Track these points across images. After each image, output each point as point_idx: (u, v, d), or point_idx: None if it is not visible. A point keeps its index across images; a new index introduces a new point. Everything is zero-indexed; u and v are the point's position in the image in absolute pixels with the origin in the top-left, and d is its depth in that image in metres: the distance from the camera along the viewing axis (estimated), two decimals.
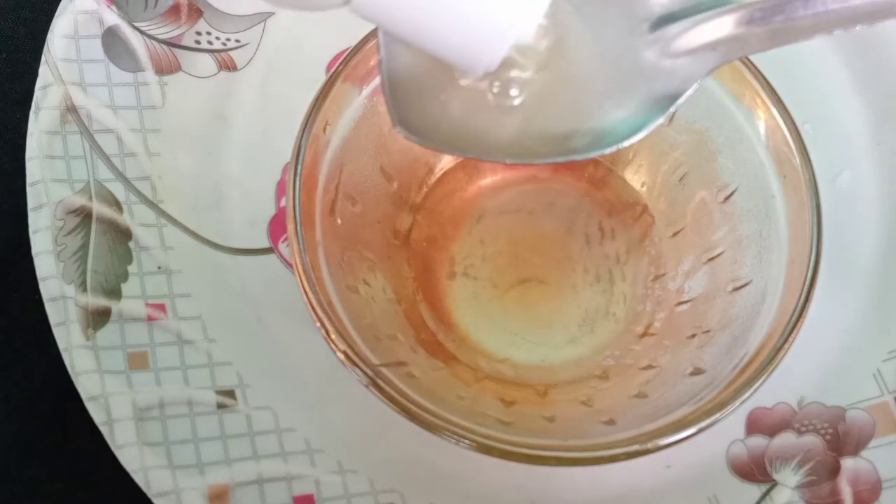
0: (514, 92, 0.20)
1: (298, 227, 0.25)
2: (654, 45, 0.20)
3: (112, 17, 0.32)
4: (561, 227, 0.30)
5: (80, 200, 0.30)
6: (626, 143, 0.20)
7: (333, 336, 0.24)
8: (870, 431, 0.28)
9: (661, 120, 0.20)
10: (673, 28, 0.19)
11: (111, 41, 0.32)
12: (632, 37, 0.19)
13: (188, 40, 0.32)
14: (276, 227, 0.31)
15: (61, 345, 0.28)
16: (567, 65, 0.20)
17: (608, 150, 0.20)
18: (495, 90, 0.20)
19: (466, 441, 0.23)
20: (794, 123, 0.26)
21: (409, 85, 0.21)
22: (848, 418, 0.29)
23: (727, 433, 0.29)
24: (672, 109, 0.20)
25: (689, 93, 0.20)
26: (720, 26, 0.19)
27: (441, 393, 0.25)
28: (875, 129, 0.32)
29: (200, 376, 0.28)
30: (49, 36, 0.31)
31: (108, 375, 0.28)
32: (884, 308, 0.30)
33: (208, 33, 0.33)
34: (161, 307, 0.29)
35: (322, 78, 0.26)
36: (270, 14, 0.33)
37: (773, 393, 0.29)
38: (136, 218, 0.30)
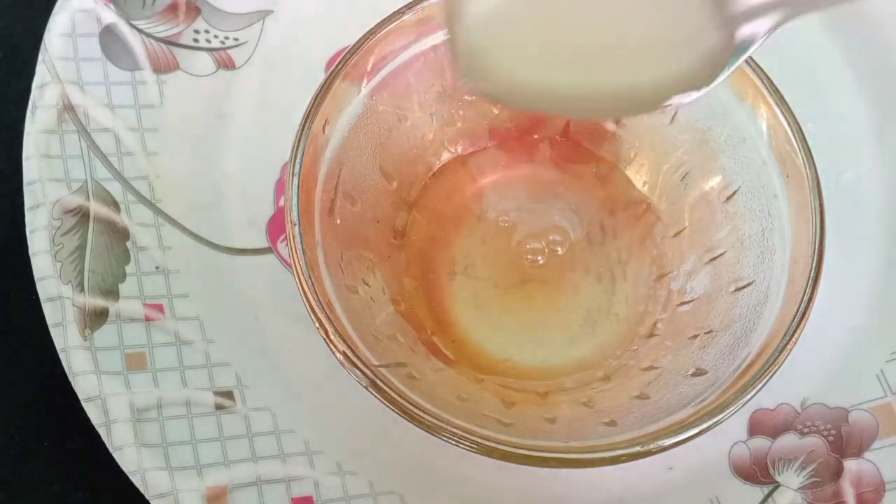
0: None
1: (297, 227, 0.25)
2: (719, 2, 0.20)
3: (110, 16, 0.32)
4: (562, 227, 0.30)
5: (77, 200, 0.29)
6: (685, 100, 0.21)
7: (333, 337, 0.24)
8: (873, 433, 0.28)
9: (725, 75, 0.21)
10: None
11: (109, 39, 0.32)
12: None
13: (186, 38, 0.32)
14: (275, 226, 0.31)
15: (58, 345, 0.28)
16: (628, 16, 0.21)
17: (662, 107, 0.21)
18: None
19: (467, 442, 0.23)
20: (796, 122, 0.26)
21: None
22: (851, 419, 0.29)
23: (729, 434, 0.29)
24: (736, 64, 0.21)
25: (753, 49, 0.21)
26: None
27: (441, 394, 0.25)
28: (878, 128, 0.32)
29: (198, 377, 0.28)
30: (46, 34, 0.31)
31: (106, 376, 0.28)
32: (887, 309, 0.30)
33: (206, 31, 0.33)
34: (159, 307, 0.29)
35: (321, 76, 0.26)
36: (269, 12, 0.33)
37: (775, 394, 0.29)
38: (134, 218, 0.30)
